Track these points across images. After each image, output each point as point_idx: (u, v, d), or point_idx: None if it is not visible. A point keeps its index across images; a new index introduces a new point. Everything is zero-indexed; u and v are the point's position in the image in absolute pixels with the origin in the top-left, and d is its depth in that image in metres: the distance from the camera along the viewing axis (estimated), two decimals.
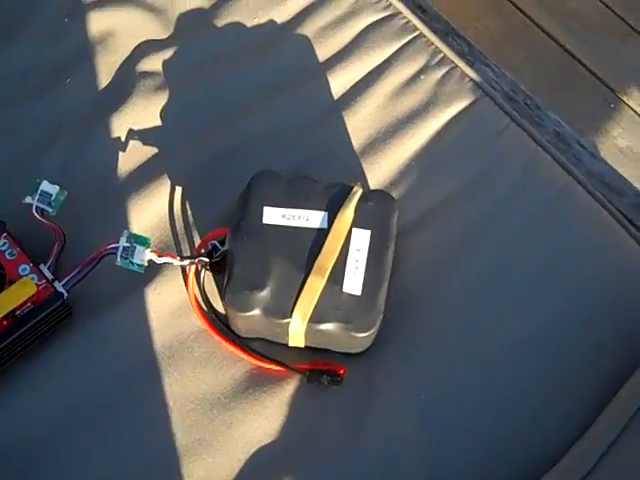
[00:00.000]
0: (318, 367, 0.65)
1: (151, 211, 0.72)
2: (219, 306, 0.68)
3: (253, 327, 0.65)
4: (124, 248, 0.66)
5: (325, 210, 0.67)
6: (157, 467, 0.63)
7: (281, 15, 0.84)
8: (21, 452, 0.63)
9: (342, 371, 0.65)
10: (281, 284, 0.64)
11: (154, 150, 0.76)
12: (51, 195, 0.68)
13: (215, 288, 0.69)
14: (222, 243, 0.67)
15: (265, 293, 0.63)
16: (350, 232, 0.66)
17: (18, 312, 0.64)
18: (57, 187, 0.69)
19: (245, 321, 0.65)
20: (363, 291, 0.63)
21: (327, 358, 0.66)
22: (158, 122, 0.78)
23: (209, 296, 0.68)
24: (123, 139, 0.76)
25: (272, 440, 0.64)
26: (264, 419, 0.64)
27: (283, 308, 0.63)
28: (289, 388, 0.65)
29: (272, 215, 0.66)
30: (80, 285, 0.66)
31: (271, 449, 0.63)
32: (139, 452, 0.63)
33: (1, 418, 0.64)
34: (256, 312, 0.63)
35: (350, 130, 0.77)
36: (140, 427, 0.64)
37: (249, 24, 0.84)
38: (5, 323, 0.63)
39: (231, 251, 0.65)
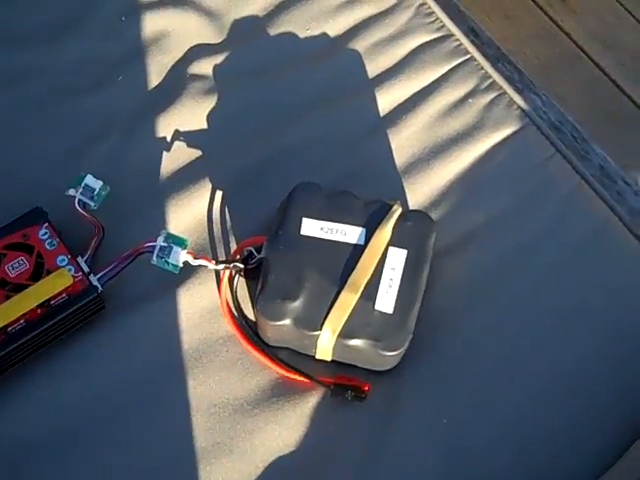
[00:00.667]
0: (343, 382, 0.65)
1: (190, 213, 0.73)
2: (250, 313, 0.68)
3: (282, 336, 0.66)
4: (161, 247, 0.67)
5: (363, 226, 0.67)
6: (176, 467, 0.63)
7: (334, 28, 0.85)
8: (44, 443, 0.64)
9: (367, 388, 0.64)
10: (314, 296, 0.64)
11: (198, 153, 0.76)
12: (94, 189, 0.69)
13: (247, 295, 0.69)
14: (258, 250, 0.67)
15: (297, 304, 0.63)
16: (386, 250, 0.66)
17: (53, 302, 0.65)
18: (101, 182, 0.70)
19: (275, 330, 0.65)
20: (395, 310, 0.63)
21: (352, 373, 0.66)
22: (204, 125, 0.78)
23: (241, 302, 0.68)
24: (169, 139, 0.77)
25: (291, 450, 0.64)
26: (285, 429, 0.64)
27: (314, 320, 0.63)
28: (312, 400, 0.65)
29: (310, 227, 0.67)
30: (114, 280, 0.67)
31: (289, 459, 0.63)
32: (159, 451, 0.63)
33: (27, 408, 0.65)
34: (286, 322, 0.63)
35: (394, 148, 0.77)
36: (162, 426, 0.65)
37: (302, 35, 0.84)
38: (39, 312, 0.64)
39: (267, 259, 0.66)
